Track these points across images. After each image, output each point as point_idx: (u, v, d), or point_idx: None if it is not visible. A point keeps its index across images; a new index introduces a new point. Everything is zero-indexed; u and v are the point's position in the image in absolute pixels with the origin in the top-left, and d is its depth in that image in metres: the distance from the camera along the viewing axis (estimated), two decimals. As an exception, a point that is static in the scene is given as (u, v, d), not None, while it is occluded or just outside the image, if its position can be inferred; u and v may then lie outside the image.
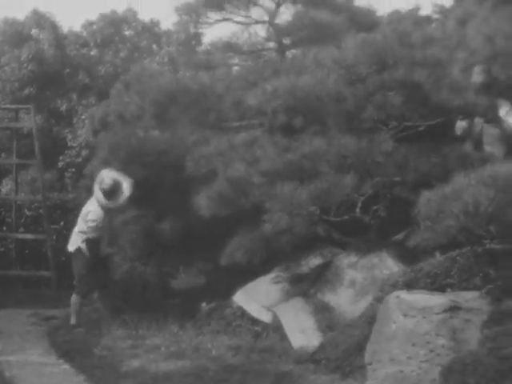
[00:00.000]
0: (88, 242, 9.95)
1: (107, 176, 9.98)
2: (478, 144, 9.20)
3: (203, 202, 8.92)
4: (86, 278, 9.98)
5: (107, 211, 10.05)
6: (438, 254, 7.75)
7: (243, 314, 9.14)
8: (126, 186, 9.96)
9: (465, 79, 9.01)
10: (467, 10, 12.60)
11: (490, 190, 6.27)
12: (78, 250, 9.99)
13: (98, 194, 9.97)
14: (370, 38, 8.70)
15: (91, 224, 9.96)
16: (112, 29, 22.10)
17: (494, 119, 9.22)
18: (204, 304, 9.79)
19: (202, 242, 10.00)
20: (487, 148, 9.28)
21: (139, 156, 10.49)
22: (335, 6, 12.26)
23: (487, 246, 6.92)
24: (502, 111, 9.34)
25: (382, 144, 8.26)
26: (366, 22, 12.11)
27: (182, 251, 10.53)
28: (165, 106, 10.41)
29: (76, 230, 10.20)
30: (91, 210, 10.03)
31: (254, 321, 8.95)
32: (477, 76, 9.26)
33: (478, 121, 9.20)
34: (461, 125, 9.14)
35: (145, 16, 22.14)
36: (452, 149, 8.53)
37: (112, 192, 9.91)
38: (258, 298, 9.13)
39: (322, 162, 8.29)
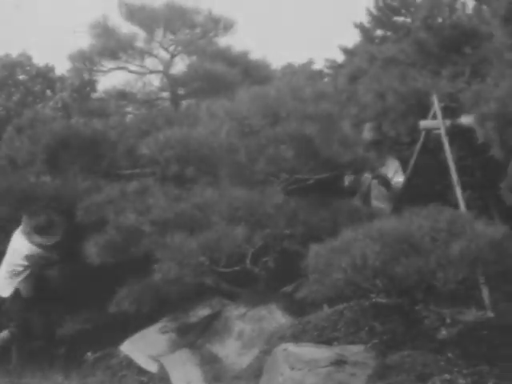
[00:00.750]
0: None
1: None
2: (366, 199, 9.42)
3: (93, 250, 8.80)
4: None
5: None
6: (325, 307, 7.85)
7: (130, 363, 9.00)
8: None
9: (355, 134, 9.21)
10: (358, 66, 12.96)
11: (376, 245, 6.39)
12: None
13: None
14: (264, 91, 8.82)
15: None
16: (5, 72, 21.76)
17: (382, 175, 9.47)
18: (89, 353, 9.60)
19: (91, 290, 9.82)
20: (375, 203, 9.51)
21: (30, 201, 10.28)
22: (230, 59, 12.41)
23: (373, 299, 7.04)
24: (390, 168, 9.60)
25: (273, 196, 8.33)
26: (260, 74, 12.30)
27: (69, 299, 10.33)
28: (57, 152, 10.29)
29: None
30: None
31: (141, 371, 8.81)
32: (367, 132, 9.51)
33: (367, 176, 9.43)
34: (350, 179, 9.35)
35: (39, 61, 21.86)
36: (341, 203, 8.68)
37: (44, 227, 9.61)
38: (145, 347, 9.01)
39: (213, 213, 8.30)
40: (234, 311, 8.80)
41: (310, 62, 23.61)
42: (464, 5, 17.68)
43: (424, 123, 9.61)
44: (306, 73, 21.36)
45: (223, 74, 11.59)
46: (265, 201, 8.32)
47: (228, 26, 12.60)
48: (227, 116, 8.80)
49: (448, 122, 9.37)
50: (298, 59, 24.19)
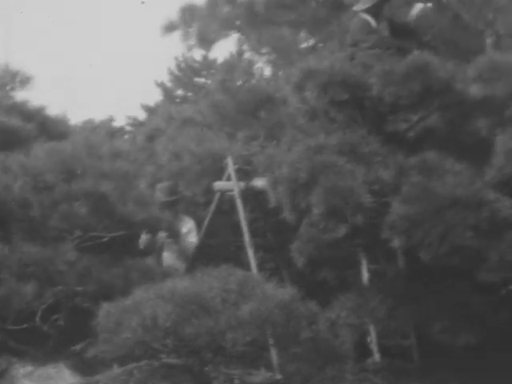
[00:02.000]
0: None
1: None
2: (160, 258, 9.47)
3: None
4: None
5: None
6: (115, 367, 7.76)
7: None
8: None
9: (151, 194, 9.29)
10: (157, 125, 13.11)
11: (168, 305, 6.42)
12: None
13: None
14: (60, 147, 8.75)
15: None
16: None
17: (177, 234, 9.57)
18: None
19: None
20: (169, 262, 9.58)
21: None
22: (26, 113, 12.17)
23: (163, 360, 7.05)
24: (185, 227, 9.72)
25: (66, 253, 8.23)
26: (57, 130, 12.14)
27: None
28: None
29: None
30: None
31: None
32: (160, 193, 9.61)
33: (161, 235, 9.49)
34: (144, 238, 9.38)
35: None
36: (135, 261, 8.68)
37: None
38: None
39: (3, 269, 8.09)
40: (21, 369, 8.53)
41: (111, 119, 23.61)
42: (262, 70, 18.33)
43: (218, 185, 9.82)
44: (106, 129, 21.32)
45: (18, 128, 11.36)
46: (57, 257, 8.19)
47: (25, 81, 12.41)
48: (21, 171, 8.65)
49: (242, 184, 9.62)
50: (101, 116, 24.13)
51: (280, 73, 14.22)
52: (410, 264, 8.35)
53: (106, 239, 8.65)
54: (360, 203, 7.23)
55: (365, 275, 9.38)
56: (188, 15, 11.11)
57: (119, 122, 24.07)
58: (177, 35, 11.29)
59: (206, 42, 11.38)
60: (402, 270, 8.75)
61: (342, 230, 7.62)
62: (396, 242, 7.24)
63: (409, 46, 8.96)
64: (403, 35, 9.33)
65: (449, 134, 8.60)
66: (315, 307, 7.09)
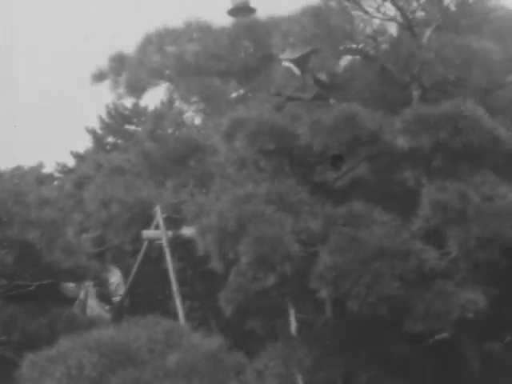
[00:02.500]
0: None
1: None
2: (85, 307, 9.35)
3: None
4: None
5: None
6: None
7: None
8: None
9: (78, 242, 9.18)
10: (86, 173, 13.02)
11: (94, 355, 6.33)
12: None
13: None
14: (-15, 194, 8.60)
15: None
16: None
17: (103, 284, 9.47)
18: None
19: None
20: (96, 311, 9.46)
21: None
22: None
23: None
24: (113, 278, 9.64)
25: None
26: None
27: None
28: None
29: None
30: None
31: None
32: (88, 242, 9.52)
33: (87, 284, 9.39)
34: (70, 287, 9.26)
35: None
36: (60, 310, 8.55)
37: None
38: None
39: None
40: None
41: (40, 165, 23.33)
42: (192, 119, 18.35)
43: (147, 233, 9.79)
44: (35, 176, 21.05)
45: None
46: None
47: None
48: None
49: (170, 233, 9.61)
50: (30, 162, 23.80)
51: (209, 122, 14.27)
52: (338, 314, 8.39)
53: (31, 287, 8.51)
54: (288, 252, 7.26)
55: (293, 325, 9.41)
56: (117, 64, 11.13)
57: (48, 168, 23.82)
58: (106, 84, 11.28)
59: (135, 90, 11.38)
60: (330, 320, 8.79)
61: (271, 280, 7.62)
62: (324, 292, 7.25)
63: (336, 97, 9.08)
64: (330, 86, 9.45)
65: (376, 184, 8.72)
66: (243, 357, 7.06)
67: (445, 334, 7.99)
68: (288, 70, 9.32)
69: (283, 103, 8.98)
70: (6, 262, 8.15)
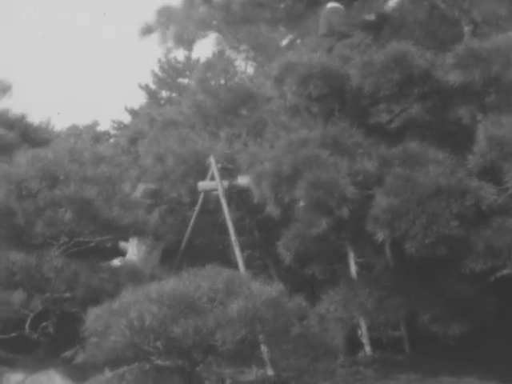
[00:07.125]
0: None
1: None
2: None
3: None
4: None
5: None
6: (107, 370, 7.73)
7: None
8: None
9: (136, 197, 9.25)
10: (140, 128, 13.08)
11: (154, 306, 6.40)
12: None
13: None
14: (42, 154, 8.68)
15: None
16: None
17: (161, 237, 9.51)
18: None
19: None
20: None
21: None
22: (7, 122, 12.10)
23: (154, 362, 7.01)
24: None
25: (52, 260, 8.18)
26: (39, 137, 12.09)
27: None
28: None
29: None
30: None
31: None
32: (142, 193, 9.57)
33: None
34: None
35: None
36: (123, 264, 8.67)
37: None
38: None
39: (-12, 278, 8.05)
40: (12, 378, 8.51)
41: (95, 124, 23.49)
42: (244, 67, 18.26)
43: (202, 184, 9.80)
44: (90, 134, 21.22)
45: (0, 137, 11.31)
46: (43, 264, 8.15)
47: (5, 89, 12.33)
48: (4, 179, 8.58)
49: (226, 183, 9.60)
50: (86, 120, 23.95)
51: (260, 70, 14.20)
52: (397, 256, 8.34)
53: (92, 244, 8.62)
54: (344, 195, 7.21)
55: (353, 268, 9.39)
56: (164, 17, 11.08)
57: (104, 126, 23.93)
58: (155, 38, 11.27)
59: (184, 42, 11.34)
60: (389, 262, 8.75)
61: (328, 224, 7.61)
62: (381, 235, 7.20)
63: (385, 36, 8.95)
64: (379, 26, 9.31)
65: (430, 123, 8.59)
66: (304, 302, 7.08)
67: (506, 271, 7.89)
68: (336, 9, 9.15)
69: (333, 44, 8.86)
70: (66, 220, 8.24)
